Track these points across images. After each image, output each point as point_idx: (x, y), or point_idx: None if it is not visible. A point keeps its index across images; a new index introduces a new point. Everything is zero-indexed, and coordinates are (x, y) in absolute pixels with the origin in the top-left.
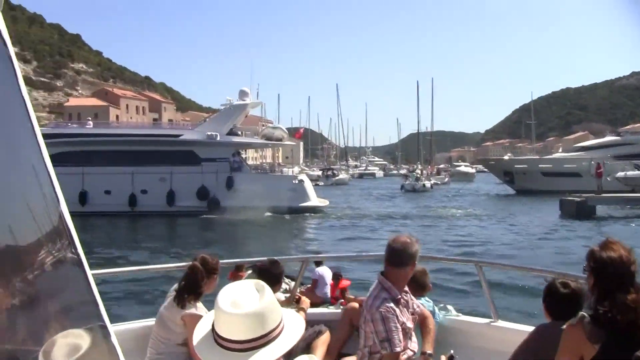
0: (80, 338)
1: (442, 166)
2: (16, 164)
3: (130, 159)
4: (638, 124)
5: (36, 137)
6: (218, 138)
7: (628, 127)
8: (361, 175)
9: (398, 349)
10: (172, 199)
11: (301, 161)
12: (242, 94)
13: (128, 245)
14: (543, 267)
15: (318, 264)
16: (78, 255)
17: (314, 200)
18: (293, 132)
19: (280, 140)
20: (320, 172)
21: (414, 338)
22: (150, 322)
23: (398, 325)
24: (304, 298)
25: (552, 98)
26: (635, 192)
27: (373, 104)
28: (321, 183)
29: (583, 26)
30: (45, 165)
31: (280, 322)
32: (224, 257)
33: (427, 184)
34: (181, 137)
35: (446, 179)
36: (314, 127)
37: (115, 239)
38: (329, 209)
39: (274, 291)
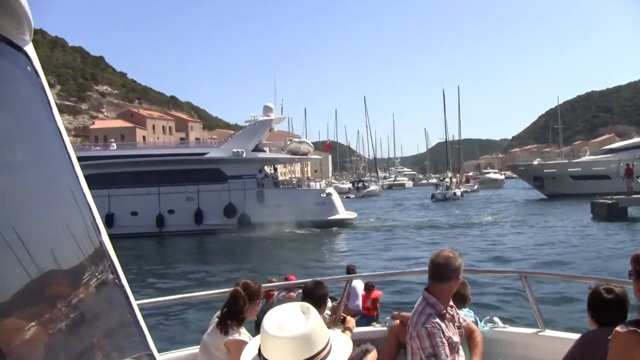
0: None
1: (470, 174)
2: (56, 191)
3: (156, 179)
4: None
5: (73, 165)
6: (244, 155)
7: None
8: (390, 186)
9: None
10: (199, 217)
11: (330, 174)
12: (267, 109)
13: (159, 268)
14: (585, 274)
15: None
16: (121, 282)
17: (342, 213)
18: (320, 145)
19: (306, 154)
20: (350, 185)
21: (461, 352)
22: (195, 349)
23: (444, 340)
24: (349, 318)
25: (577, 102)
26: None
27: (400, 115)
28: (352, 195)
29: (606, 29)
30: (83, 192)
31: (327, 344)
32: (260, 279)
33: (458, 192)
34: (207, 155)
35: (475, 187)
36: (341, 139)
37: (144, 260)
38: (359, 222)
39: (320, 312)
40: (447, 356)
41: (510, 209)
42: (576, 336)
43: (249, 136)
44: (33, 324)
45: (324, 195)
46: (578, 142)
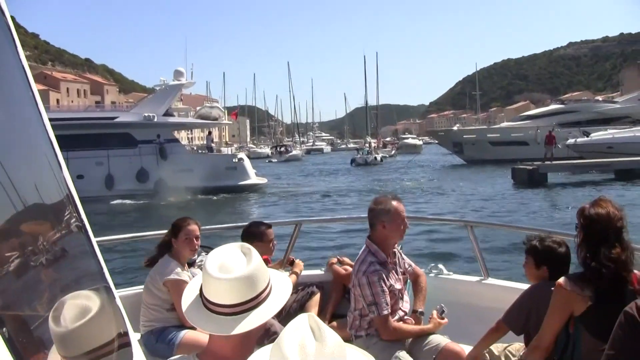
0: (89, 299)
1: (389, 139)
2: (23, 128)
3: (65, 143)
4: (576, 92)
5: (37, 104)
6: (155, 119)
7: (567, 95)
8: (309, 151)
9: (385, 312)
10: (110, 183)
11: (248, 139)
12: (177, 73)
13: None
14: (528, 226)
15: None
16: (83, 223)
17: (253, 178)
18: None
19: (217, 119)
20: (268, 149)
21: (405, 297)
22: (140, 289)
23: (385, 288)
24: (297, 261)
25: (493, 69)
26: (583, 158)
27: (320, 80)
28: (274, 160)
29: None
30: (52, 145)
31: (268, 284)
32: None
33: (378, 157)
34: (117, 120)
35: (393, 152)
36: (260, 104)
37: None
38: (275, 187)
39: (262, 248)
40: (387, 304)
41: (431, 173)
42: (518, 284)
43: (160, 100)
44: (3, 255)
45: (236, 160)
46: (494, 108)
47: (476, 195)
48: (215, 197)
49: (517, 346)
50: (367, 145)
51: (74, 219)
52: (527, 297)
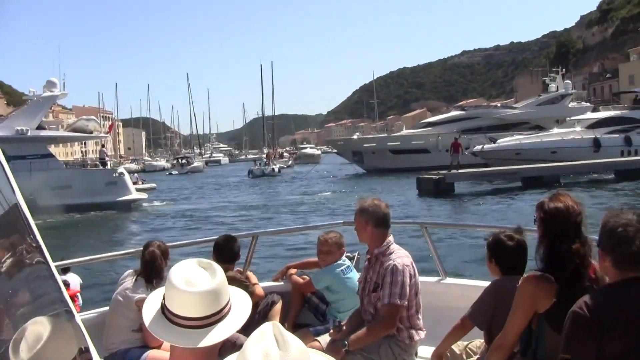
0: (45, 324)
1: (287, 149)
2: None
3: None
4: (471, 100)
5: None
6: (29, 133)
7: (463, 102)
8: (206, 163)
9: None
10: None
11: (144, 151)
12: (50, 84)
13: None
14: (482, 224)
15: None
16: (39, 244)
17: (134, 193)
18: (133, 122)
19: (92, 132)
20: (165, 162)
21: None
22: (103, 310)
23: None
24: (250, 274)
25: (389, 78)
26: (488, 165)
27: (217, 90)
28: (175, 172)
29: (422, 7)
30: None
31: (228, 300)
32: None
33: (276, 168)
34: None
35: (290, 162)
36: (155, 116)
37: None
38: (161, 204)
39: (231, 268)
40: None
41: (332, 183)
42: (477, 282)
43: (32, 113)
44: None
45: (116, 174)
46: (392, 116)
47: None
48: (95, 214)
49: (478, 343)
50: (265, 156)
51: (30, 240)
52: (490, 292)
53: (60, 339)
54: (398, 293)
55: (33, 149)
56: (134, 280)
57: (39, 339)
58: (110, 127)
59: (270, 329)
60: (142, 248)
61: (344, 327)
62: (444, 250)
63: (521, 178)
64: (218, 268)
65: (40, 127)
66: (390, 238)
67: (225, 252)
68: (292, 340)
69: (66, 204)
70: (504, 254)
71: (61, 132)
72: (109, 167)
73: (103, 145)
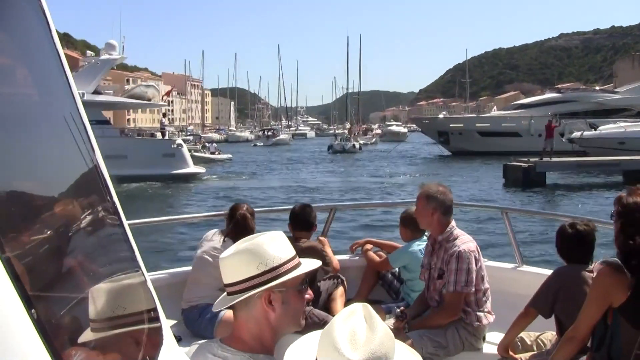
0: (117, 284)
1: (376, 126)
2: (58, 117)
3: None
4: (567, 84)
5: (72, 91)
6: (84, 97)
7: (558, 86)
8: (292, 136)
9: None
10: None
11: (233, 122)
12: (109, 47)
13: None
14: (565, 213)
15: None
16: (115, 206)
17: (191, 167)
18: (219, 92)
19: (151, 100)
20: (249, 133)
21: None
22: (182, 269)
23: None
24: (327, 246)
25: (484, 58)
26: (586, 154)
27: (307, 63)
28: (260, 143)
29: None
30: (82, 117)
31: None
32: None
33: (357, 144)
34: None
35: (374, 139)
36: (243, 85)
37: None
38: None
39: (308, 237)
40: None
41: (410, 167)
42: (551, 272)
43: (89, 77)
44: (34, 238)
45: (174, 146)
46: (484, 97)
47: (461, 198)
48: (157, 185)
49: (549, 335)
50: (346, 131)
51: (107, 202)
52: (552, 279)
53: (130, 299)
54: (464, 280)
55: (88, 114)
56: (221, 240)
57: (111, 297)
58: (167, 93)
59: (361, 309)
60: (228, 211)
61: (407, 316)
62: (525, 237)
63: (622, 171)
64: (379, 320)
65: (96, 92)
66: (453, 223)
67: (301, 221)
68: (380, 324)
69: (119, 174)
70: (563, 242)
71: (118, 98)
72: (167, 137)
73: (164, 115)
